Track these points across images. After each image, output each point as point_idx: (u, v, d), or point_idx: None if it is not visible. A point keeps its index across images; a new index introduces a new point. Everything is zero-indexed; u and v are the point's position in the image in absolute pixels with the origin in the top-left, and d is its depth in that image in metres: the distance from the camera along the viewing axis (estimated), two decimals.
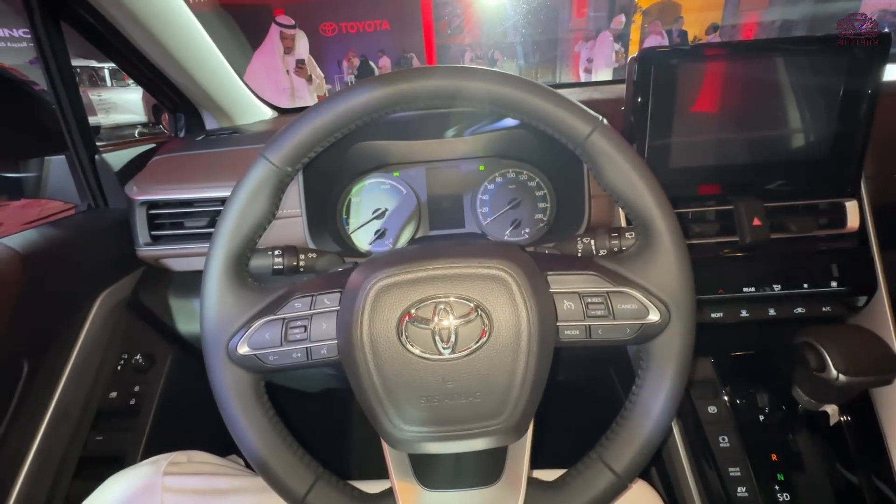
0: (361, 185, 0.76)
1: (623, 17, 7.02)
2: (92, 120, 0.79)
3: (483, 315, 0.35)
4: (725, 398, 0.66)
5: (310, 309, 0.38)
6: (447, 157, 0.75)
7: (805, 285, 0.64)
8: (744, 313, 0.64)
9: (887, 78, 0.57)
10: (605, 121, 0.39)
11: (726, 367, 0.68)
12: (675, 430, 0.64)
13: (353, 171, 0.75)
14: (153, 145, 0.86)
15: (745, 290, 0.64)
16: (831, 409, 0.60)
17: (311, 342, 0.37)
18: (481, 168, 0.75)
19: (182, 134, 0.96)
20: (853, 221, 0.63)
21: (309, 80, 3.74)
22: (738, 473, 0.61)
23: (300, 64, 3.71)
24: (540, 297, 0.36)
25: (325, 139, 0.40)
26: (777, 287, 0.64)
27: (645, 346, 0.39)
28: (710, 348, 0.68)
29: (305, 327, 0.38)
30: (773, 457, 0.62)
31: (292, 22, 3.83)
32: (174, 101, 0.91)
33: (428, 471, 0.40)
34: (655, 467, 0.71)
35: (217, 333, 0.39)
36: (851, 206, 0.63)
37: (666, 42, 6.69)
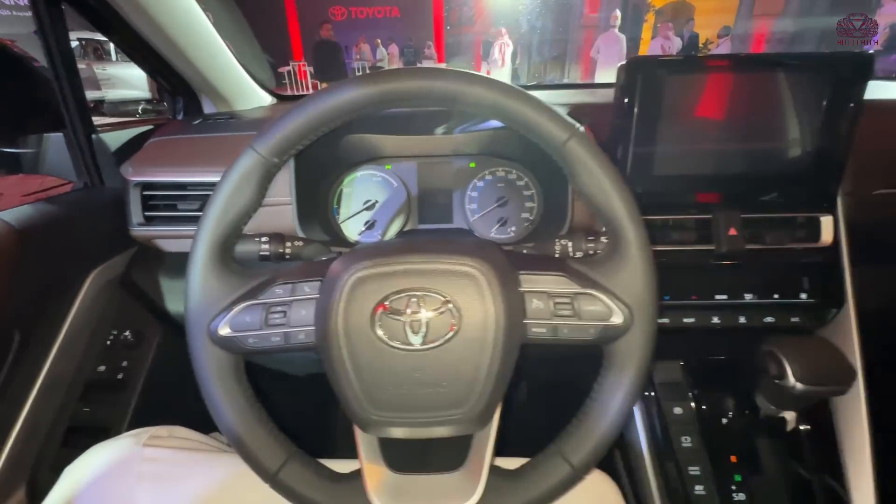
0: (353, 176, 0.77)
1: (619, 13, 6.84)
2: (96, 94, 0.79)
3: (453, 309, 0.37)
4: (692, 400, 0.68)
5: (290, 296, 0.40)
6: (439, 152, 0.76)
7: (776, 295, 0.66)
8: (715, 319, 0.66)
9: (869, 96, 0.59)
10: (582, 128, 0.40)
11: (695, 371, 0.70)
12: (641, 428, 0.67)
13: (345, 162, 0.76)
14: (150, 127, 0.87)
15: (717, 297, 0.66)
16: (790, 415, 0.62)
17: (289, 327, 0.39)
18: (472, 165, 0.76)
19: (180, 117, 0.97)
20: (827, 236, 0.65)
21: None
22: (698, 472, 0.63)
23: None
24: (508, 294, 0.38)
25: (312, 133, 0.41)
26: (749, 296, 0.66)
27: (607, 348, 0.41)
28: (680, 352, 0.70)
29: (285, 312, 0.39)
30: (733, 458, 0.64)
31: None
32: (173, 83, 0.91)
33: (396, 454, 0.42)
34: (622, 461, 0.73)
35: (200, 315, 0.40)
36: (826, 221, 0.65)
37: (673, 44, 6.64)
